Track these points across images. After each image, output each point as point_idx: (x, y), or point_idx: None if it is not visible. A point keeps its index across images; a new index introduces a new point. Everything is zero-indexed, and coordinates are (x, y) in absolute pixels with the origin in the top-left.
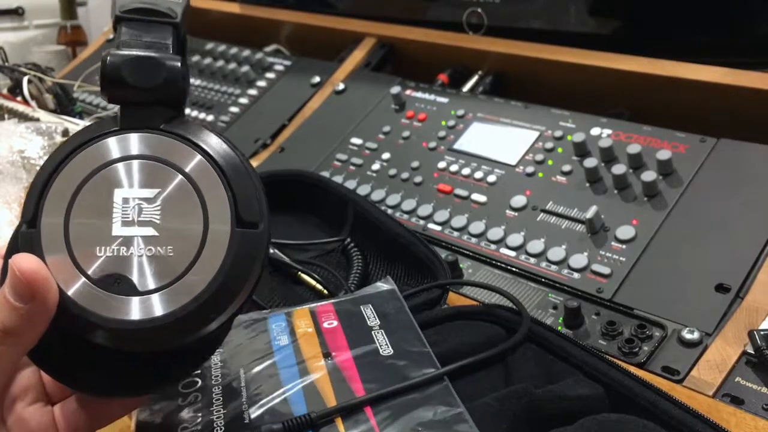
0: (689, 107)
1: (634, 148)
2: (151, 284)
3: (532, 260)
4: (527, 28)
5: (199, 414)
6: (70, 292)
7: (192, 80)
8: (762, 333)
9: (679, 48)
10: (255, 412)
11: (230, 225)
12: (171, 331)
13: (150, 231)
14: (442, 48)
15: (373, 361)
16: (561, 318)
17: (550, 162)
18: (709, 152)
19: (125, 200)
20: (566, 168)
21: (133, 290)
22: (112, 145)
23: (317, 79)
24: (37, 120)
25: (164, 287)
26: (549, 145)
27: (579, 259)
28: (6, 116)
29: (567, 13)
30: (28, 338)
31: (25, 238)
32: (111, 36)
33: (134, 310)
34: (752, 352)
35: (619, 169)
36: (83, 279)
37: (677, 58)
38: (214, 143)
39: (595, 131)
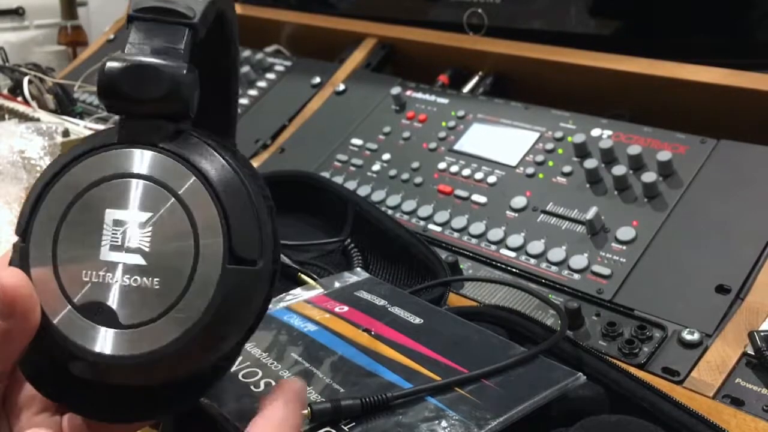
0: (690, 108)
1: (634, 149)
2: (133, 318)
3: (533, 261)
4: (528, 29)
5: None
6: (51, 316)
7: None
8: (762, 334)
9: (679, 49)
10: (339, 382)
11: (221, 261)
12: (147, 370)
13: (138, 259)
14: (442, 49)
15: (415, 328)
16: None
17: (550, 163)
18: (710, 153)
19: (116, 222)
20: (566, 169)
21: (114, 322)
22: (108, 160)
23: (318, 79)
24: (38, 120)
25: (145, 323)
26: (549, 146)
27: (579, 260)
28: (6, 116)
29: (568, 13)
30: (4, 355)
31: (16, 252)
32: (111, 36)
33: (112, 343)
34: (752, 354)
35: (619, 170)
36: (66, 303)
37: (678, 59)
38: (214, 164)
39: (595, 132)
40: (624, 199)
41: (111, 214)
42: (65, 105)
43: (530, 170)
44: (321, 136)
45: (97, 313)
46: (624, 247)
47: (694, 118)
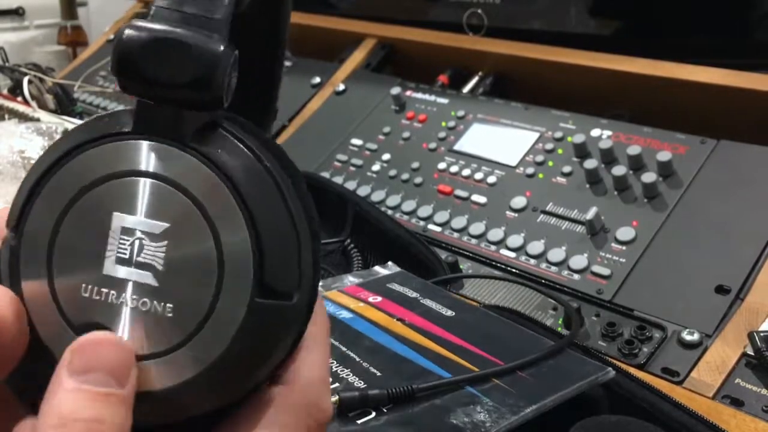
0: (689, 108)
1: (634, 150)
2: (139, 349)
3: (532, 261)
4: (527, 29)
5: (336, 384)
6: (42, 334)
7: None
8: (762, 334)
9: (679, 49)
10: (375, 366)
11: (248, 294)
12: (147, 411)
13: (149, 278)
14: (442, 49)
15: (446, 319)
16: (561, 319)
17: (550, 163)
18: (709, 154)
19: (125, 230)
20: (566, 169)
21: None
22: (119, 153)
23: (317, 79)
24: (38, 120)
25: (151, 357)
26: (549, 146)
27: (579, 261)
28: (6, 116)
29: (567, 14)
30: None
31: (6, 249)
32: (111, 36)
33: None
34: (752, 354)
35: (619, 170)
36: (62, 323)
37: (677, 59)
38: (249, 170)
39: (595, 132)
40: (624, 200)
41: (119, 220)
42: (65, 105)
43: (530, 170)
44: (321, 136)
45: None
46: (624, 248)
47: (693, 118)
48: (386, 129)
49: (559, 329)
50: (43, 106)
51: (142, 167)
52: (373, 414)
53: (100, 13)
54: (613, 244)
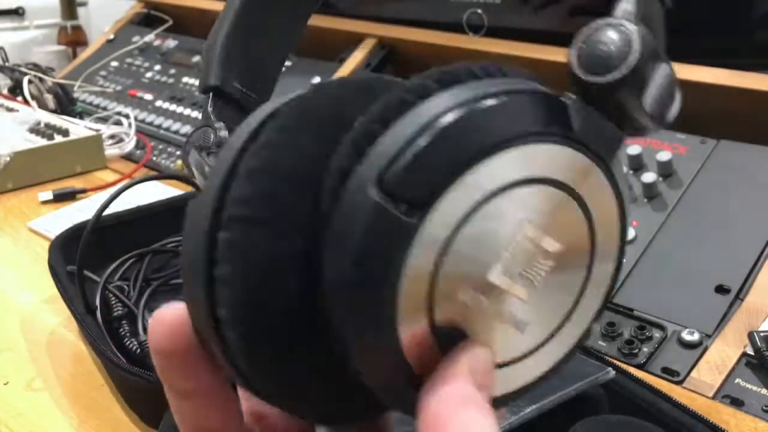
0: (690, 108)
1: (634, 150)
2: None
3: None
4: (528, 29)
5: None
6: (401, 328)
7: (192, 81)
8: (762, 334)
9: (679, 49)
10: None
11: (591, 318)
12: None
13: (522, 293)
14: (442, 49)
15: None
16: None
17: None
18: (710, 154)
19: (526, 241)
20: None
21: None
22: (561, 159)
23: (318, 79)
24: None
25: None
26: None
27: None
28: None
29: (567, 14)
30: None
31: (401, 226)
32: (111, 36)
33: None
34: (752, 354)
35: None
36: (425, 320)
37: (678, 59)
38: (624, 218)
39: None
40: None
41: (528, 229)
42: (65, 105)
43: None
44: None
45: (450, 340)
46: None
47: (694, 119)
48: None
49: None
50: (43, 106)
51: (572, 182)
52: None
53: (100, 13)
54: None
